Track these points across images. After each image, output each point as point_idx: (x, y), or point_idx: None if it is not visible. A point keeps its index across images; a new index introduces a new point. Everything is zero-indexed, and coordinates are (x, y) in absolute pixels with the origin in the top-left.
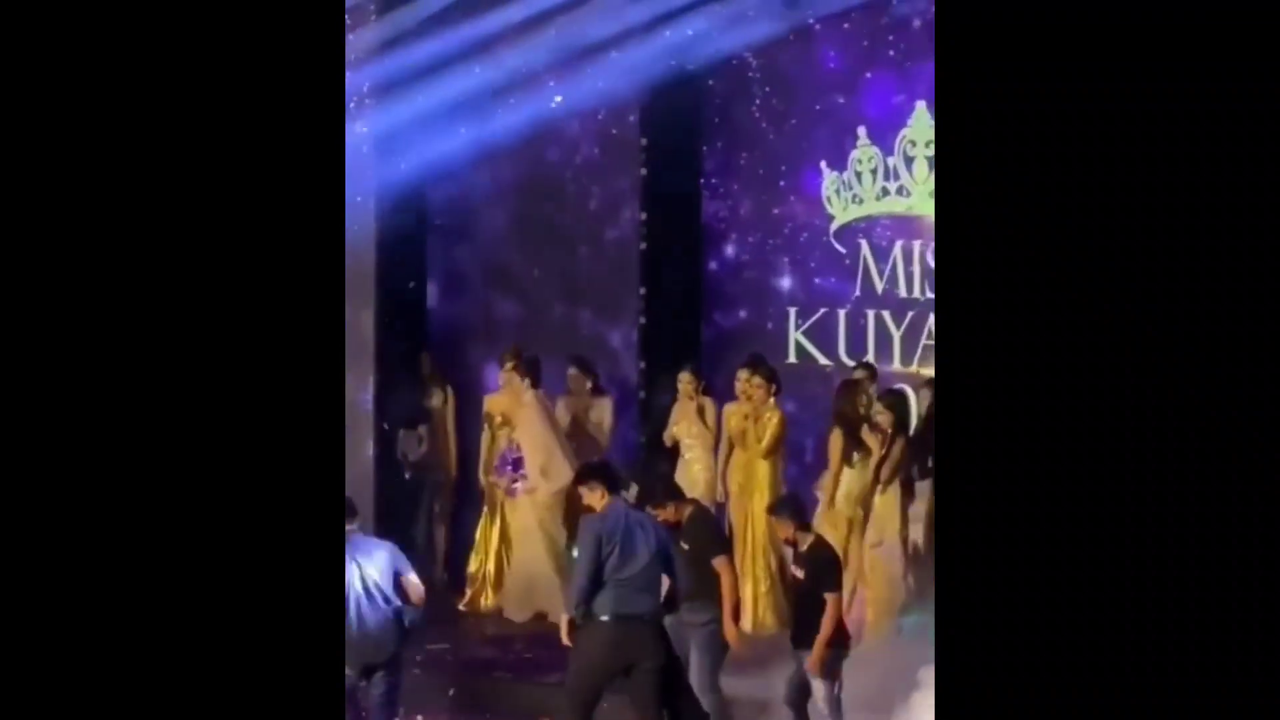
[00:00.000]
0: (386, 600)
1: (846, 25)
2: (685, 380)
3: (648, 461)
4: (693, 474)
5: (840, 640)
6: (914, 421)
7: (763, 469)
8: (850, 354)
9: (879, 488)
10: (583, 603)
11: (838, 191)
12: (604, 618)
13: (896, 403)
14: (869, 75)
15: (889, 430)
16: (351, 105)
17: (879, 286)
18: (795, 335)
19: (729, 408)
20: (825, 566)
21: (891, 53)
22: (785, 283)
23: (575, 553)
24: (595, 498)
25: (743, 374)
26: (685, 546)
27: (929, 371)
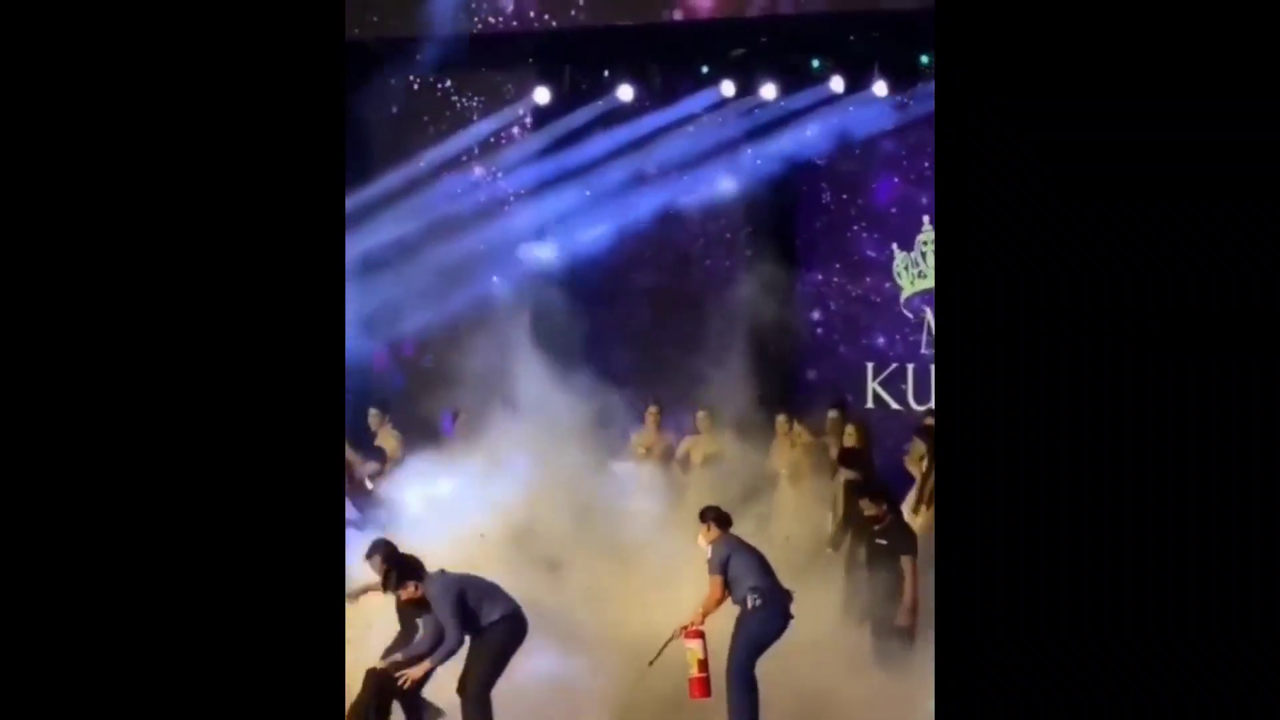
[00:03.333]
0: None
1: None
2: (780, 422)
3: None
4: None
5: None
6: None
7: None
8: (918, 401)
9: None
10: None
11: (906, 268)
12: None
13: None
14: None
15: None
16: (509, 202)
17: None
18: (873, 385)
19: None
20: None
21: None
22: (864, 342)
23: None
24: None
25: (831, 413)
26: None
27: None
